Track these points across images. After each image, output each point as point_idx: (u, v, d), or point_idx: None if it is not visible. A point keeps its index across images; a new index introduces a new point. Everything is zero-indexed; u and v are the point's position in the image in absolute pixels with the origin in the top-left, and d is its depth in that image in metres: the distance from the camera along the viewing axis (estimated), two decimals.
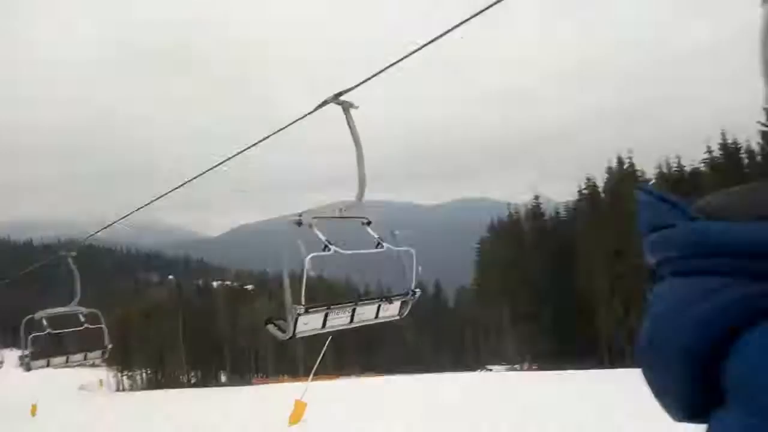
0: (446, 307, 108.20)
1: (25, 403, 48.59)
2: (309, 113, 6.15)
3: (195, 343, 69.18)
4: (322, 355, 26.26)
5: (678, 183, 49.55)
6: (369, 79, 5.65)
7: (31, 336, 12.97)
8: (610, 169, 58.81)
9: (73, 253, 13.15)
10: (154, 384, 76.25)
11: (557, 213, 68.13)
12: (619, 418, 18.40)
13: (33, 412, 46.88)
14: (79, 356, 14.77)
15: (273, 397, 38.27)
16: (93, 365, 73.34)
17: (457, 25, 5.05)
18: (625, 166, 57.91)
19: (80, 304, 13.32)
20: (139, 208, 9.75)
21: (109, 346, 14.42)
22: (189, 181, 8.52)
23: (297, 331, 5.52)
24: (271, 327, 5.92)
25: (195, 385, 71.33)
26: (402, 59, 5.59)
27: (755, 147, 48.28)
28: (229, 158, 7.87)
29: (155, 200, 9.29)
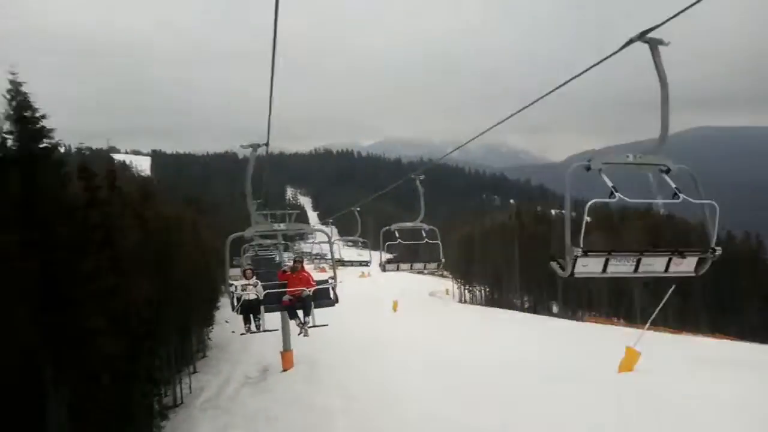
0: None
1: (388, 299, 59.23)
2: (614, 53, 5.69)
3: (530, 269, 70.83)
4: (662, 304, 23.79)
5: None
6: (679, 13, 4.92)
7: (387, 243, 16.41)
8: None
9: (421, 177, 15.70)
10: (490, 302, 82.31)
11: None
12: None
13: (395, 308, 56.77)
14: (419, 265, 18.74)
15: (603, 340, 36.87)
16: (443, 275, 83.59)
17: None
18: None
19: (428, 220, 15.97)
20: (483, 132, 9.70)
21: (443, 260, 17.54)
22: (532, 104, 7.97)
23: (576, 271, 5.67)
24: (553, 264, 6.03)
25: (527, 310, 74.02)
26: None
27: None
28: (564, 83, 7.06)
29: (498, 124, 9.06)
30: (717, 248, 5.82)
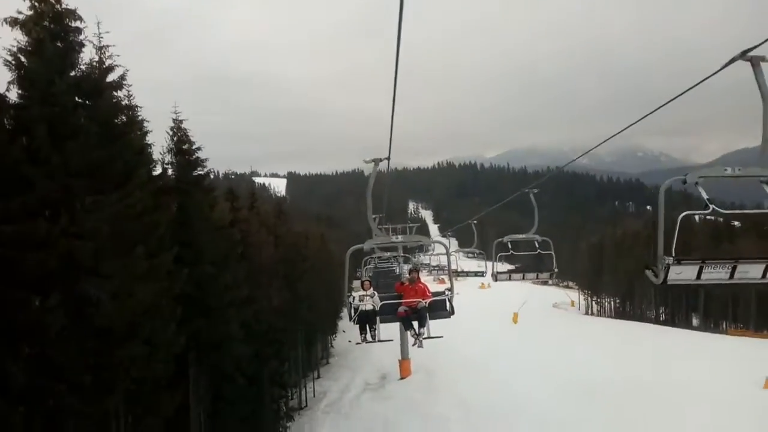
0: None
1: (509, 311, 58.28)
2: (717, 71, 5.90)
3: None
4: None
5: None
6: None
7: (499, 254, 16.92)
8: None
9: (535, 190, 16.21)
10: (620, 314, 77.37)
11: None
12: None
13: (515, 320, 55.79)
14: (532, 274, 18.76)
15: (749, 354, 33.66)
16: (568, 286, 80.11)
17: None
18: None
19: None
20: (614, 135, 9.33)
21: (556, 270, 17.56)
22: (668, 102, 7.48)
23: (669, 278, 5.86)
24: (648, 272, 6.28)
25: (663, 323, 68.68)
26: None
27: None
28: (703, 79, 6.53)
29: (630, 126, 8.65)
30: None
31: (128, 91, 13.76)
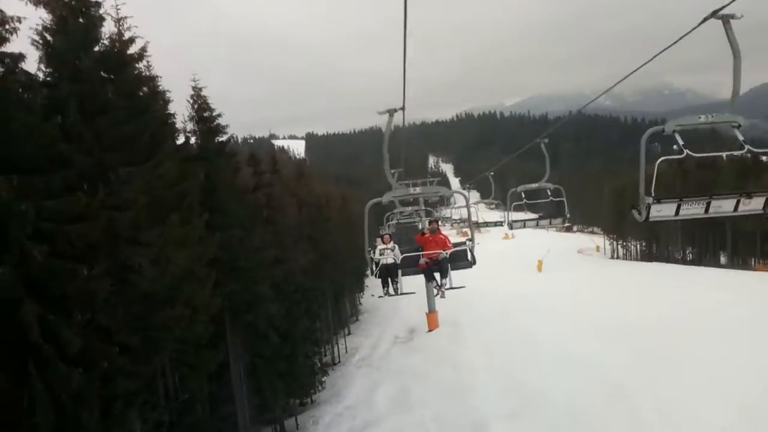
0: None
1: (533, 259, 58.67)
2: (690, 31, 6.66)
3: (694, 219, 65.00)
4: None
5: None
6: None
7: (513, 204, 17.87)
8: None
9: (546, 140, 16.49)
10: (647, 256, 77.13)
11: None
12: None
13: (539, 268, 56.26)
14: (545, 221, 20.07)
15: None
16: (593, 232, 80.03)
17: None
18: None
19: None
20: (634, 71, 9.18)
21: (568, 215, 18.43)
22: (682, 37, 7.58)
23: (651, 216, 6.74)
24: (634, 211, 7.02)
25: (691, 263, 68.43)
26: None
27: None
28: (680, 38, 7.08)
29: (649, 61, 8.54)
30: None
31: (148, 62, 14.11)
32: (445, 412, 19.07)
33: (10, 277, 9.13)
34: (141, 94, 12.89)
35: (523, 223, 19.26)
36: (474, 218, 13.49)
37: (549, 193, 16.82)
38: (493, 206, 32.15)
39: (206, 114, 18.31)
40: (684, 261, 70.09)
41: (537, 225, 19.72)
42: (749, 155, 7.14)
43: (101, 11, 11.72)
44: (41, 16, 10.88)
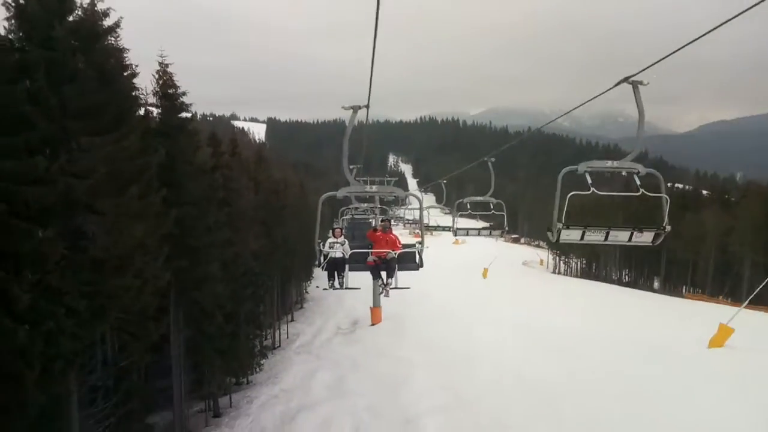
0: None
1: (480, 266, 60.33)
2: (604, 92, 8.05)
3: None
4: (764, 284, 23.94)
5: None
6: (657, 62, 6.70)
7: (459, 213, 19.04)
8: None
9: (492, 159, 17.81)
10: (586, 274, 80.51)
11: None
12: None
13: (485, 275, 57.94)
14: (485, 231, 22.31)
15: (698, 316, 36.06)
16: (539, 245, 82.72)
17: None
18: None
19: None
20: (590, 99, 9.59)
21: (506, 228, 19.94)
22: (597, 96, 8.62)
23: (561, 239, 7.86)
24: (548, 233, 8.06)
25: (626, 285, 71.87)
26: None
27: None
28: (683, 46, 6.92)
29: (606, 91, 8.74)
30: (668, 227, 7.92)
31: (117, 34, 14.24)
32: (379, 402, 19.87)
33: None
34: (109, 66, 13.06)
35: (466, 231, 20.87)
36: (426, 221, 14.17)
37: (492, 207, 18.34)
38: (447, 211, 33.61)
39: (171, 91, 18.46)
40: (620, 282, 73.60)
41: (479, 234, 21.55)
42: (643, 196, 8.25)
43: None
44: None
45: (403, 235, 16.08)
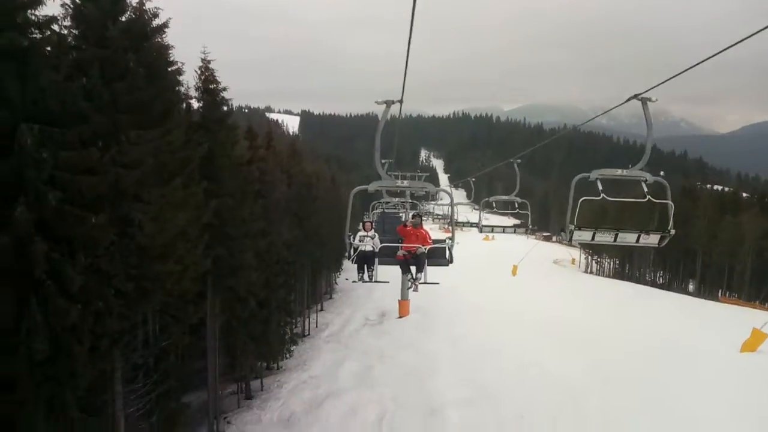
0: None
1: (510, 262, 60.17)
2: (618, 105, 9.21)
3: (668, 244, 66.87)
4: None
5: None
6: (664, 82, 7.47)
7: (485, 211, 20.81)
8: None
9: (518, 161, 18.42)
10: (619, 274, 79.28)
11: None
12: None
13: (514, 272, 57.81)
14: (510, 229, 23.63)
15: (732, 320, 35.46)
16: (570, 244, 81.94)
17: None
18: None
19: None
20: (629, 99, 9.11)
21: (530, 227, 21.13)
22: (690, 68, 7.50)
23: (573, 239, 8.72)
24: (562, 233, 8.98)
25: (660, 287, 70.58)
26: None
27: None
28: (727, 48, 6.46)
29: (647, 90, 8.42)
30: (672, 230, 8.61)
31: (164, 32, 15.01)
32: (404, 393, 20.44)
33: (25, 216, 10.18)
34: (156, 63, 13.82)
35: (491, 229, 21.78)
36: (456, 217, 14.52)
37: (516, 206, 19.13)
38: (477, 208, 34.03)
39: (212, 86, 19.22)
40: (654, 284, 72.28)
41: (503, 231, 22.64)
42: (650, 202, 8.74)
43: None
44: None
45: (432, 229, 16.52)
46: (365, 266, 12.01)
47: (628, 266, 79.87)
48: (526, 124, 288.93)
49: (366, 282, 12.19)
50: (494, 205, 20.04)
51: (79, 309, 10.69)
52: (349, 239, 11.53)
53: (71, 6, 11.81)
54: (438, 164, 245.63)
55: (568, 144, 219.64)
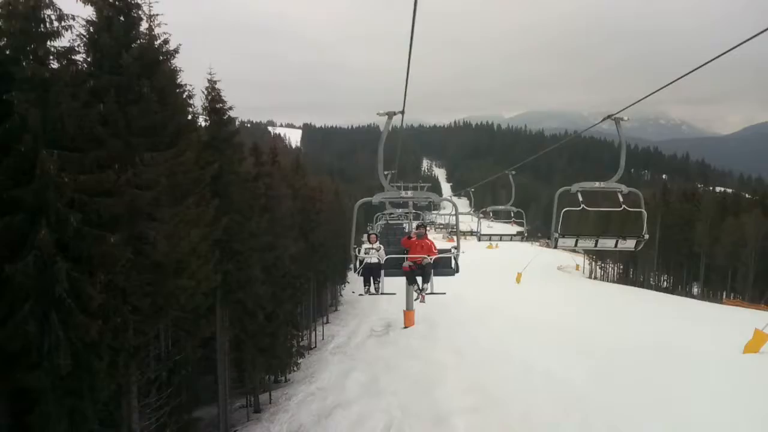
0: None
1: (514, 270, 60.41)
2: (596, 123, 10.71)
3: (670, 248, 67.43)
4: None
5: None
6: (634, 104, 8.91)
7: (481, 220, 21.84)
8: None
9: (513, 172, 19.27)
10: (623, 279, 79.37)
11: None
12: None
13: (518, 280, 58.07)
14: (507, 237, 23.89)
15: (734, 321, 35.65)
16: (573, 250, 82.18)
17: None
18: None
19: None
20: (634, 102, 9.47)
21: (526, 235, 22.54)
22: (694, 70, 7.24)
23: (558, 245, 9.78)
24: (548, 240, 10.75)
25: (665, 291, 70.65)
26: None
27: None
28: (730, 50, 6.19)
29: (652, 93, 8.42)
30: (646, 235, 9.54)
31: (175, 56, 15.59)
32: (411, 402, 20.69)
33: (47, 238, 10.68)
34: (168, 88, 14.40)
35: (489, 237, 22.73)
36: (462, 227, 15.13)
37: (512, 215, 20.17)
38: (481, 216, 34.56)
39: (218, 106, 19.84)
40: (658, 288, 72.40)
41: (500, 239, 23.82)
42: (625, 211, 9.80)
43: (140, 12, 13.26)
44: (89, 13, 12.40)
45: (436, 239, 17.08)
46: (371, 278, 12.03)
47: (632, 271, 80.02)
48: (527, 131, 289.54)
49: (373, 294, 12.20)
50: (491, 214, 21.31)
51: (99, 325, 11.15)
52: (355, 252, 11.47)
53: (86, 36, 12.40)
54: (440, 173, 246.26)
55: (571, 150, 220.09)
